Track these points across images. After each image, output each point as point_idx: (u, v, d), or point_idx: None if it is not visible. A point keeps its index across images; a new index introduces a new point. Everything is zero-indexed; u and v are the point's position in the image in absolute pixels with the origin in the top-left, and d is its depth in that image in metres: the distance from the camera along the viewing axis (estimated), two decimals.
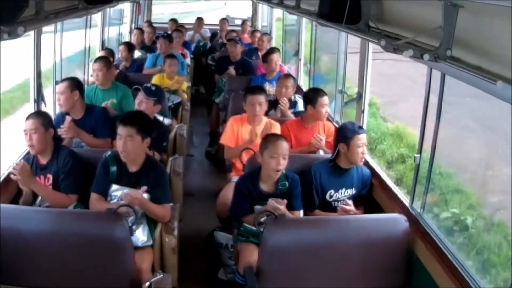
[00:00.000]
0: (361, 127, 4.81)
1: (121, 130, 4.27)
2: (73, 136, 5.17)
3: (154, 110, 5.63)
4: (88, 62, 8.04)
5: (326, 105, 5.64)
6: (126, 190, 4.26)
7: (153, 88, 5.70)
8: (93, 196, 4.35)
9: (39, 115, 4.60)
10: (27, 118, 4.50)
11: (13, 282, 3.77)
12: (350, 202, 4.60)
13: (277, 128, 5.63)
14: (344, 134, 4.71)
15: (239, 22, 13.39)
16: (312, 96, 5.72)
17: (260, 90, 5.91)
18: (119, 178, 4.36)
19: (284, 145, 4.44)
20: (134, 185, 4.29)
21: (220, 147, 6.38)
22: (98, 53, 8.48)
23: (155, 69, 8.68)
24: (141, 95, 5.57)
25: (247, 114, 5.77)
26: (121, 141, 4.25)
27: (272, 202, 4.26)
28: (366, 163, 5.03)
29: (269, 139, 4.55)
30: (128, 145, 4.24)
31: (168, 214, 4.41)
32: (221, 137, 5.90)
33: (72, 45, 7.68)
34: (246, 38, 12.01)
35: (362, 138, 4.66)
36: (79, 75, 7.80)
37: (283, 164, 4.41)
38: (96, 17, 8.95)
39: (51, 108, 5.88)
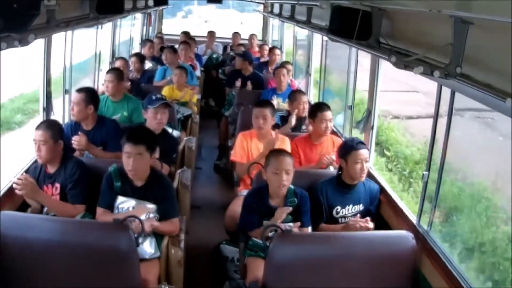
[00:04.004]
0: (361, 143, 4.74)
1: (131, 148, 4.22)
2: (84, 149, 5.17)
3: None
4: (98, 71, 8.04)
5: (327, 120, 5.56)
6: (133, 202, 4.26)
7: (159, 95, 5.70)
8: (99, 210, 4.34)
9: (50, 126, 4.55)
10: (38, 127, 4.49)
11: None
12: (358, 217, 4.57)
13: (287, 143, 5.62)
14: (343, 150, 4.73)
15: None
16: (313, 110, 5.72)
17: (266, 103, 5.90)
18: (124, 193, 4.33)
19: (286, 160, 4.42)
20: (140, 199, 4.29)
21: (229, 161, 6.36)
22: (109, 64, 8.50)
23: (164, 81, 8.71)
24: (162, 107, 5.50)
25: (255, 130, 5.77)
26: (131, 159, 4.21)
27: (280, 210, 4.29)
28: (374, 179, 5.02)
29: (271, 155, 4.55)
30: (138, 163, 4.22)
31: (177, 228, 4.42)
32: (232, 153, 5.88)
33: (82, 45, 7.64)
34: (255, 52, 12.02)
35: (361, 154, 4.61)
36: (89, 84, 7.81)
37: (286, 179, 4.38)
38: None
39: (60, 117, 5.88)
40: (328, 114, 5.59)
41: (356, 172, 4.63)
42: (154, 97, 5.62)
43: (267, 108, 5.69)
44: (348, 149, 4.68)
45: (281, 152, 4.62)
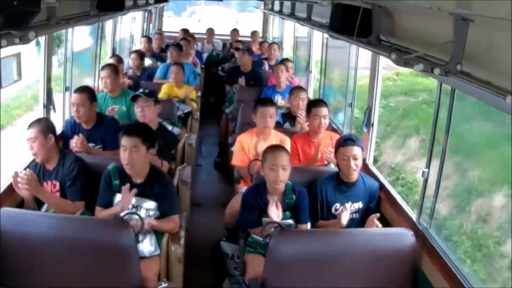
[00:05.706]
0: (351, 140, 4.66)
1: (126, 141, 4.21)
2: (83, 151, 5.13)
3: (157, 111, 5.63)
4: (98, 68, 8.03)
5: (320, 116, 5.53)
6: (132, 199, 4.24)
7: (147, 90, 5.70)
8: (98, 209, 4.34)
9: (38, 122, 4.52)
10: (28, 127, 4.47)
11: (18, 286, 3.78)
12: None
13: (287, 143, 5.57)
14: (335, 147, 4.73)
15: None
16: (309, 106, 5.72)
17: (271, 102, 5.86)
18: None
19: (282, 156, 4.39)
20: (140, 196, 4.26)
21: (229, 158, 6.34)
22: (108, 60, 8.50)
23: (165, 80, 8.63)
24: (140, 101, 5.51)
25: (254, 129, 5.75)
26: (126, 152, 4.19)
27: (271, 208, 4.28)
28: (374, 177, 5.01)
29: (267, 151, 4.51)
30: (134, 156, 4.19)
31: (177, 226, 4.39)
32: (233, 159, 5.83)
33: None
34: (256, 49, 12.01)
35: (347, 150, 4.56)
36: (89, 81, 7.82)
37: (282, 175, 4.35)
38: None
39: (60, 114, 5.88)
40: (322, 110, 5.56)
41: (343, 169, 4.62)
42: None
43: (273, 107, 5.68)
44: (337, 145, 4.69)
45: (277, 148, 4.59)
